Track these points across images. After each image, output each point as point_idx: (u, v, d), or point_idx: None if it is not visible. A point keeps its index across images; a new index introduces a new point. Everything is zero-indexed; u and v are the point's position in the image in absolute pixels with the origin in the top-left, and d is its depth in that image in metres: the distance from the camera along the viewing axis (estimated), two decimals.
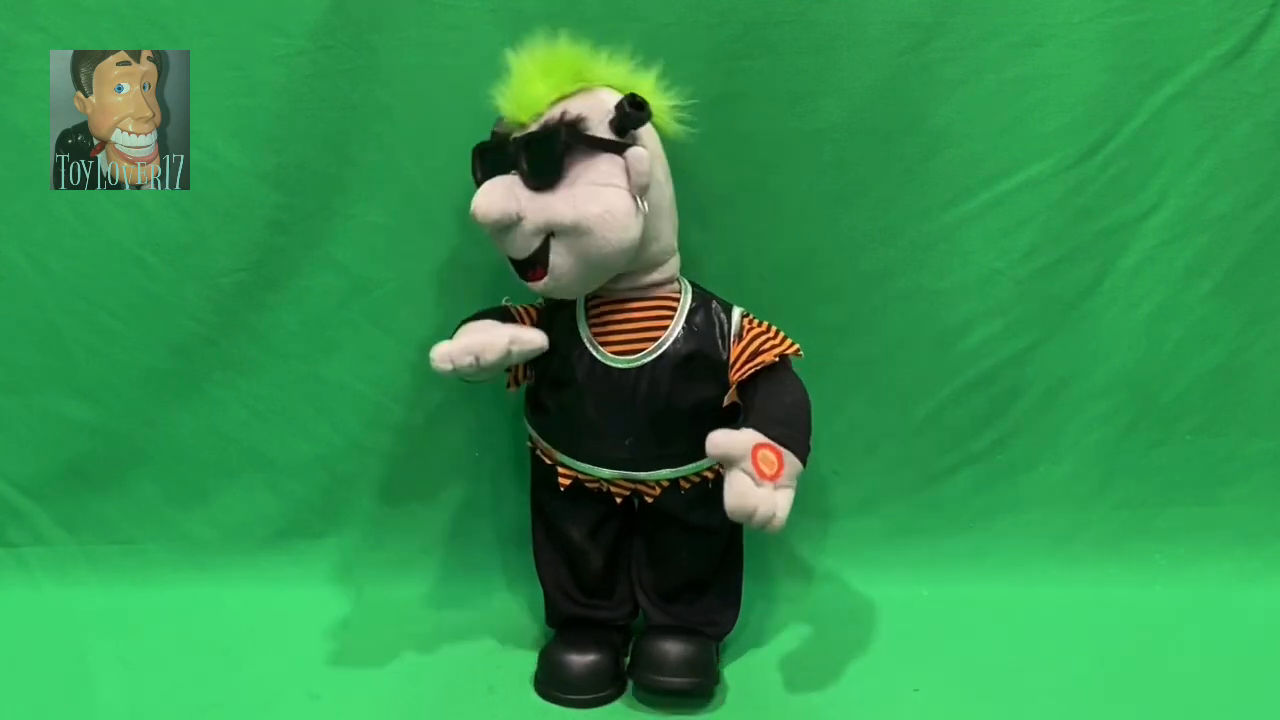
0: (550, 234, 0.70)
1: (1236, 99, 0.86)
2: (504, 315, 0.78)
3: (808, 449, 0.72)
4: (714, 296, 0.77)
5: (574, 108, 0.71)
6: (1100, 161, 0.87)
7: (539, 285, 0.73)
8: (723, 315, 0.76)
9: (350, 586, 0.93)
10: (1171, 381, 0.92)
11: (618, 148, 0.71)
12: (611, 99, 0.72)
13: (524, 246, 0.71)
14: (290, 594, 0.91)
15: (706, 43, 0.83)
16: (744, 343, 0.75)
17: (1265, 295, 0.91)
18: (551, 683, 0.78)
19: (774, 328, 0.77)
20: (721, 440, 0.68)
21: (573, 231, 0.70)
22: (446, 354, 0.71)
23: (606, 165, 0.71)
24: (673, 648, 0.77)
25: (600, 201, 0.70)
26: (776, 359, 0.74)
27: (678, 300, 0.76)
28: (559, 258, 0.71)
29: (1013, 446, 0.93)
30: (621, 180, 0.71)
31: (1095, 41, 0.85)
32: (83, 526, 0.93)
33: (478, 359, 0.71)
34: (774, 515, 0.67)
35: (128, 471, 0.92)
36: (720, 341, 0.75)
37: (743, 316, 0.77)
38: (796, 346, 0.76)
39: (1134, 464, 0.94)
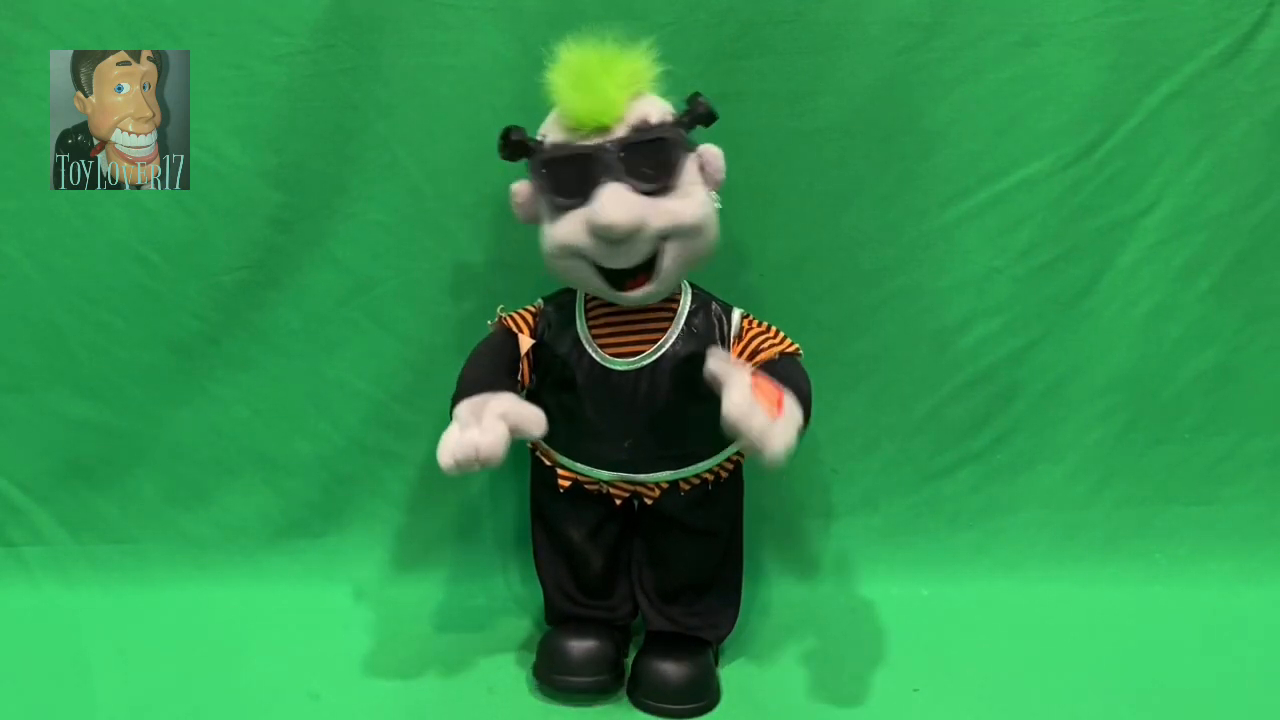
0: (664, 238, 0.69)
1: (1233, 98, 0.87)
2: (505, 339, 0.76)
3: (808, 412, 0.69)
4: (714, 298, 0.77)
5: (653, 110, 0.71)
6: (1098, 160, 0.88)
7: (638, 293, 0.71)
8: (723, 317, 0.76)
9: (350, 586, 0.93)
10: (1170, 380, 0.92)
11: (693, 147, 0.72)
12: (658, 99, 0.72)
13: (638, 254, 0.69)
14: (290, 594, 0.91)
15: (706, 43, 0.83)
16: (744, 343, 0.75)
17: (1263, 294, 0.91)
18: (550, 666, 0.77)
19: (774, 328, 0.77)
20: (722, 361, 0.66)
21: (691, 233, 0.70)
22: (452, 458, 0.67)
23: (691, 165, 0.72)
24: (672, 670, 0.77)
25: (705, 201, 0.71)
26: (776, 357, 0.74)
27: (677, 302, 0.75)
28: (669, 262, 0.70)
29: (1012, 445, 0.93)
30: (699, 178, 0.72)
31: (1092, 41, 0.85)
32: (83, 526, 0.93)
33: (482, 464, 0.68)
34: (770, 439, 0.63)
35: (128, 470, 0.92)
36: (720, 343, 0.75)
37: (743, 318, 0.77)
38: (796, 346, 0.76)
39: (1133, 463, 0.94)
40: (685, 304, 0.76)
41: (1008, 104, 0.86)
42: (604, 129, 0.69)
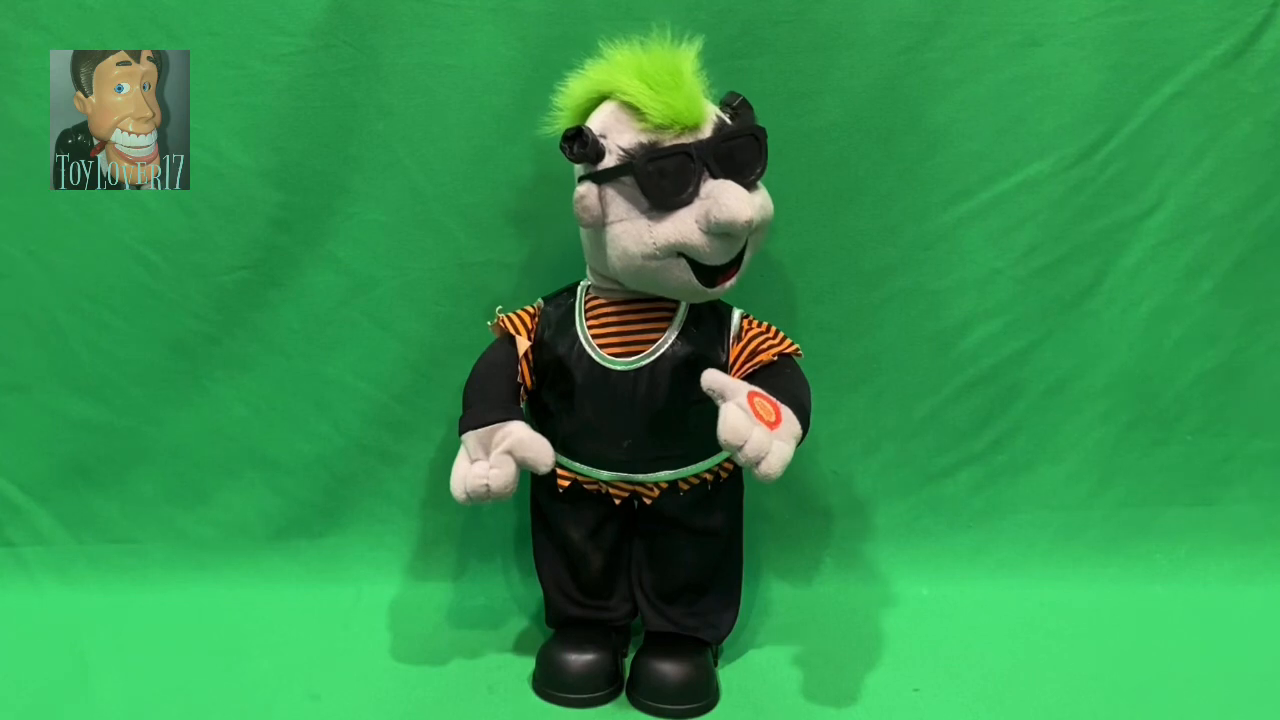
0: (752, 231, 0.70)
1: (1236, 99, 0.86)
2: (507, 349, 0.77)
3: (807, 425, 0.71)
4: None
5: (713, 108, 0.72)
6: (1100, 161, 0.87)
7: (726, 287, 0.72)
8: (722, 317, 0.76)
9: (350, 586, 0.93)
10: (1171, 381, 0.92)
11: None
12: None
13: (738, 248, 0.70)
14: (290, 594, 0.91)
15: (706, 42, 0.83)
16: (743, 344, 0.75)
17: (1265, 295, 0.91)
18: (549, 682, 0.78)
19: (774, 328, 0.77)
20: (718, 375, 0.67)
21: (766, 226, 0.72)
22: (464, 492, 0.70)
23: None
24: (671, 670, 0.77)
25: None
26: (775, 358, 0.74)
27: (677, 302, 0.75)
28: (749, 254, 0.72)
29: (1012, 446, 0.93)
30: None
31: (1094, 41, 0.85)
32: (83, 526, 0.93)
33: (494, 500, 0.71)
34: (765, 455, 0.64)
35: (128, 470, 0.92)
36: (719, 343, 0.75)
37: (742, 318, 0.77)
38: (796, 346, 0.76)
39: (1134, 464, 0.94)
40: (684, 304, 0.75)
41: (1009, 104, 0.86)
42: (694, 127, 0.70)
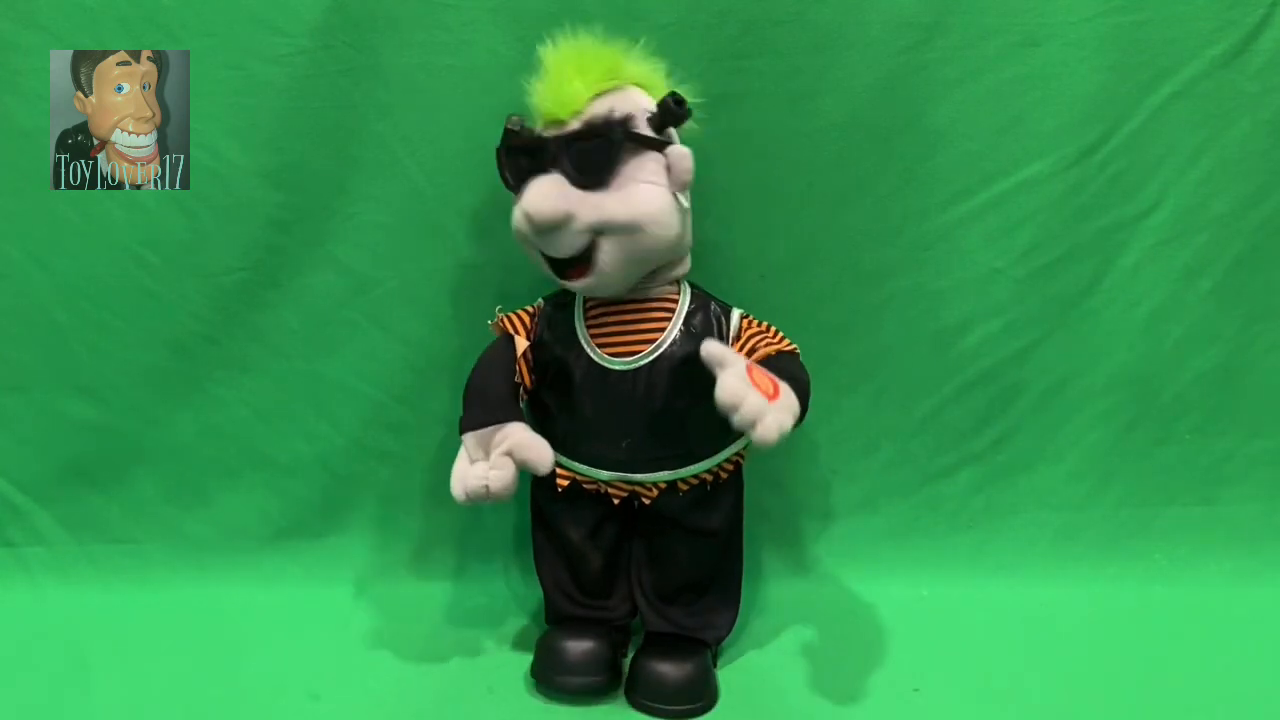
0: (598, 233, 0.70)
1: (1235, 98, 0.86)
2: (507, 347, 0.77)
3: (806, 403, 0.70)
4: (713, 298, 0.77)
5: (616, 106, 0.71)
6: (1099, 161, 0.87)
7: (580, 283, 0.72)
8: (721, 317, 0.76)
9: (350, 586, 0.93)
10: (1171, 380, 0.92)
11: (660, 145, 0.72)
12: (641, 96, 0.73)
13: (570, 245, 0.70)
14: (290, 594, 0.91)
15: (706, 42, 0.83)
16: (742, 342, 0.75)
17: (1264, 294, 0.91)
18: (547, 666, 0.77)
19: (773, 328, 0.77)
20: (718, 345, 0.67)
21: (625, 230, 0.70)
22: (464, 492, 0.71)
23: (651, 163, 0.71)
24: (670, 670, 0.77)
25: (651, 200, 0.71)
26: (774, 354, 0.74)
27: (676, 302, 0.75)
28: (607, 256, 0.71)
29: (1012, 446, 0.93)
30: (663, 178, 0.72)
31: (1094, 41, 0.85)
32: (83, 526, 0.93)
33: (493, 501, 0.71)
34: (762, 418, 0.63)
35: (128, 470, 0.92)
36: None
37: (742, 318, 0.77)
38: (795, 346, 0.76)
39: (1134, 464, 0.94)
40: (684, 304, 0.76)
41: (1009, 104, 0.86)
42: (560, 122, 0.71)
